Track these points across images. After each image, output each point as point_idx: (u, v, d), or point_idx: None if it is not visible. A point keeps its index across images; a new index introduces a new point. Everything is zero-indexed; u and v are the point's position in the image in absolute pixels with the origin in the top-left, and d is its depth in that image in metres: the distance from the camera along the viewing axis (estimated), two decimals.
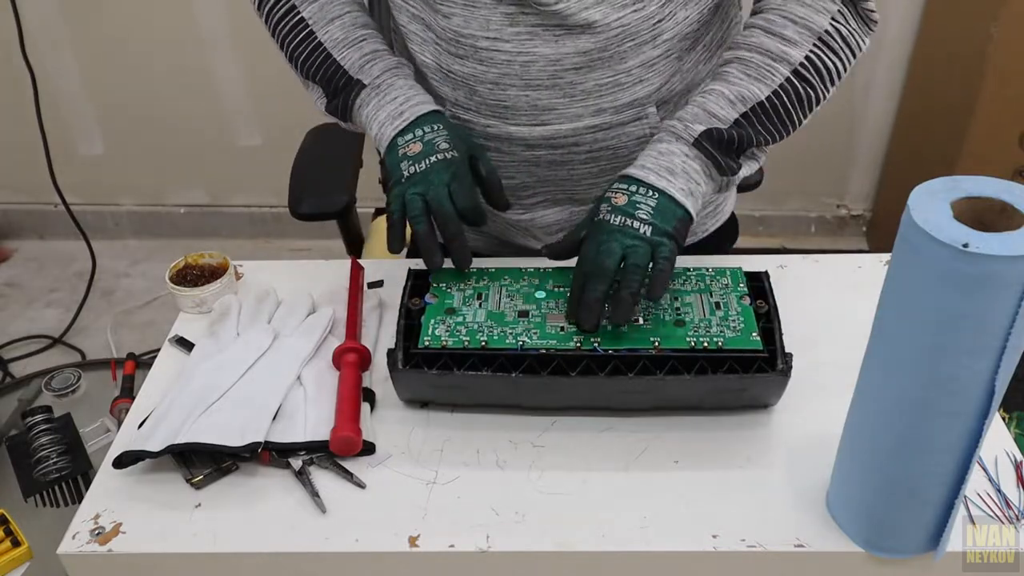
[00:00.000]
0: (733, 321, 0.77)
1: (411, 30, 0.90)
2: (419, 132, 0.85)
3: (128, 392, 1.20)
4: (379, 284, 0.92)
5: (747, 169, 0.84)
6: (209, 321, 0.88)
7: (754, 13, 0.86)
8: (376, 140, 0.89)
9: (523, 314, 0.78)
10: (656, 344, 0.74)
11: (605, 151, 0.92)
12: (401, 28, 0.92)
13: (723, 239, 1.12)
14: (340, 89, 0.90)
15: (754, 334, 0.75)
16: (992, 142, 1.86)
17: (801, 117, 0.85)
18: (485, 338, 0.76)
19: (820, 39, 0.82)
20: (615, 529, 0.68)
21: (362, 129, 0.91)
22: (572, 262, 0.87)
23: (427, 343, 0.76)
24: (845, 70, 0.85)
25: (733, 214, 1.14)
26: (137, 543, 0.68)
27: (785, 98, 0.83)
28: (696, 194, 0.81)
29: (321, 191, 1.29)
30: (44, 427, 1.13)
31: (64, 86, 2.18)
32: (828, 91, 0.85)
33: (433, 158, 0.83)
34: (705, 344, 0.74)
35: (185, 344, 0.87)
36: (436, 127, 0.86)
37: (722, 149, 0.81)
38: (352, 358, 0.80)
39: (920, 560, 0.65)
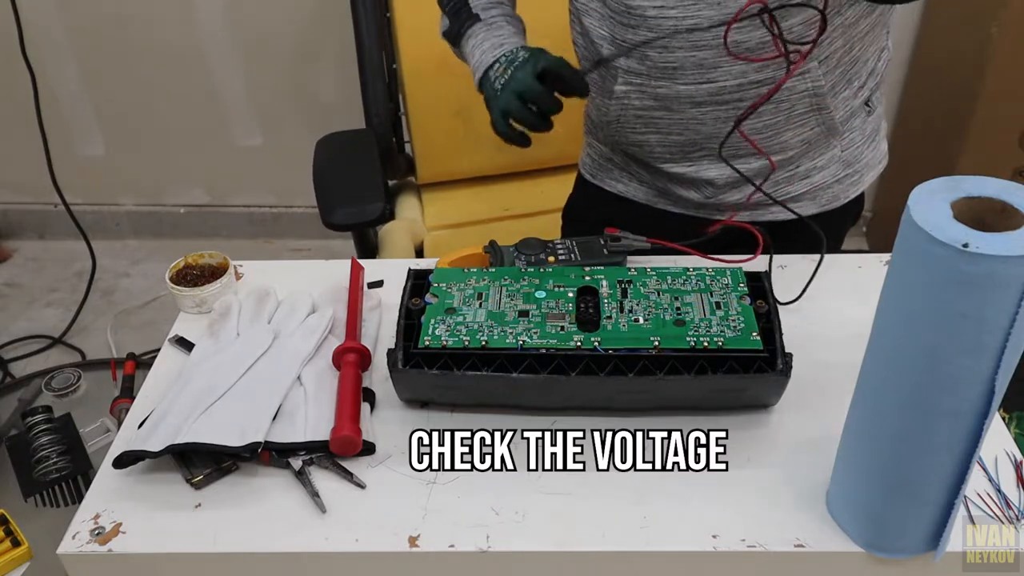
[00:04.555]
0: (733, 321, 0.77)
1: (589, 7, 0.99)
2: (508, 56, 0.96)
3: (128, 392, 1.20)
4: (379, 284, 0.92)
5: None
6: (209, 321, 0.88)
7: None
8: (474, 67, 1.01)
9: (523, 314, 0.78)
10: (656, 344, 0.74)
11: (767, 105, 0.97)
12: (579, 5, 1.01)
13: (848, 215, 1.14)
14: (459, 17, 1.03)
15: (754, 334, 0.75)
16: (992, 142, 1.85)
17: None
18: (485, 338, 0.76)
19: None
20: (615, 529, 0.68)
21: (465, 58, 1.04)
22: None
23: (427, 343, 0.76)
24: None
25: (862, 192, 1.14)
26: (137, 543, 0.68)
27: None
28: None
29: (355, 200, 1.28)
30: (44, 427, 1.13)
31: (64, 86, 2.18)
32: None
33: (516, 63, 0.94)
34: (705, 344, 0.74)
35: (185, 344, 0.87)
36: (522, 51, 0.95)
37: None
38: (352, 358, 0.80)
39: (920, 560, 0.65)
